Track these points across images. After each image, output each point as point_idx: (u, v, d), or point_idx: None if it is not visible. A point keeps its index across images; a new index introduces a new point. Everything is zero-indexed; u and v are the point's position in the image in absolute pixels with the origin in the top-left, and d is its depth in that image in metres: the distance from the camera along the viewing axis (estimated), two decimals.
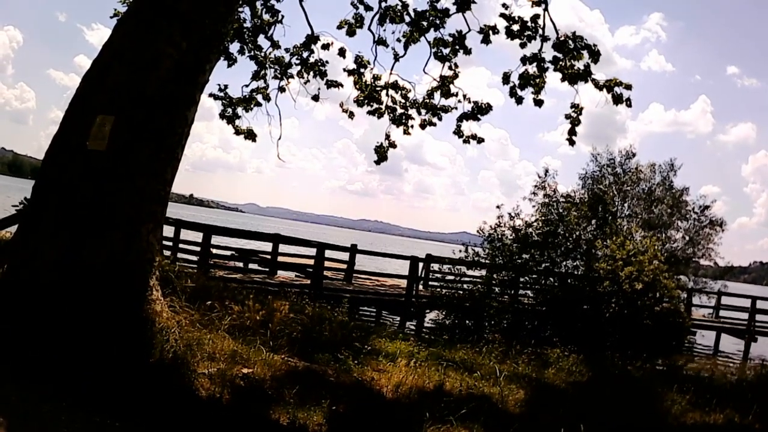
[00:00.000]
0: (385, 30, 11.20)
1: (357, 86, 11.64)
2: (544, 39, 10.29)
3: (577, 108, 10.73)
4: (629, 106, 10.18)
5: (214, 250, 16.41)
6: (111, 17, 9.42)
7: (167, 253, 13.77)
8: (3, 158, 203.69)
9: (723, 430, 6.36)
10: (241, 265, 17.94)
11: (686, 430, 6.30)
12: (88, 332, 4.87)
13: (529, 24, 10.32)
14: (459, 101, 11.36)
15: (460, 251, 15.92)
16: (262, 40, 11.32)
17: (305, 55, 11.50)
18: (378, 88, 11.68)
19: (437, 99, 11.56)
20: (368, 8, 11.09)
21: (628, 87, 10.07)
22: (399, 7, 11.01)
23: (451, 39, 11.02)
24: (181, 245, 16.05)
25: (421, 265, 18.46)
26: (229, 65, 11.19)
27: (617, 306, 13.96)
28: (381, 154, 12.02)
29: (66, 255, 5.23)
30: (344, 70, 11.69)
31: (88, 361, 4.61)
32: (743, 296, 24.43)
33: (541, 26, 10.24)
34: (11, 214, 7.44)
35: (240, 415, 4.63)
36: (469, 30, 10.76)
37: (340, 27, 11.28)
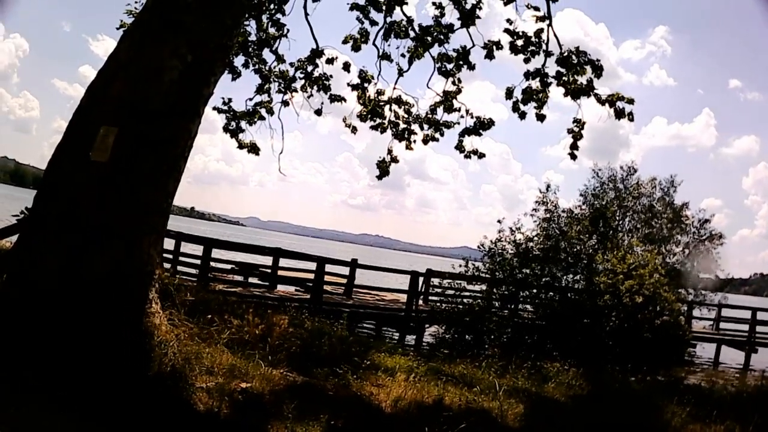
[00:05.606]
0: (389, 45, 11.30)
1: (360, 101, 11.69)
2: (548, 54, 10.37)
3: (579, 123, 10.78)
4: (631, 120, 10.23)
5: (215, 264, 16.41)
6: (117, 29, 9.52)
7: (167, 265, 13.76)
8: (5, 167, 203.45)
9: None
10: (241, 278, 17.91)
11: None
12: (87, 344, 4.86)
13: (532, 39, 10.41)
14: (462, 116, 11.41)
15: (461, 266, 15.90)
16: (266, 53, 11.41)
17: (309, 69, 11.57)
18: (381, 103, 11.73)
19: (440, 114, 11.61)
20: (373, 23, 11.20)
21: (631, 101, 10.12)
22: (404, 23, 11.11)
23: (455, 54, 11.09)
24: (181, 258, 16.04)
25: (421, 279, 18.42)
26: (234, 79, 11.26)
27: (617, 319, 13.91)
28: (383, 168, 12.05)
29: (66, 266, 5.21)
30: (348, 84, 11.73)
31: (87, 373, 4.59)
32: (744, 308, 24.40)
33: (545, 41, 10.34)
34: (12, 223, 7.44)
35: (238, 429, 4.60)
36: (473, 45, 10.86)
37: (345, 42, 11.36)
